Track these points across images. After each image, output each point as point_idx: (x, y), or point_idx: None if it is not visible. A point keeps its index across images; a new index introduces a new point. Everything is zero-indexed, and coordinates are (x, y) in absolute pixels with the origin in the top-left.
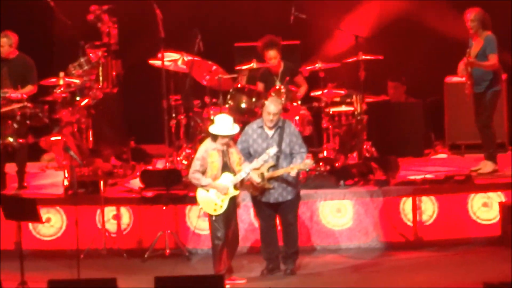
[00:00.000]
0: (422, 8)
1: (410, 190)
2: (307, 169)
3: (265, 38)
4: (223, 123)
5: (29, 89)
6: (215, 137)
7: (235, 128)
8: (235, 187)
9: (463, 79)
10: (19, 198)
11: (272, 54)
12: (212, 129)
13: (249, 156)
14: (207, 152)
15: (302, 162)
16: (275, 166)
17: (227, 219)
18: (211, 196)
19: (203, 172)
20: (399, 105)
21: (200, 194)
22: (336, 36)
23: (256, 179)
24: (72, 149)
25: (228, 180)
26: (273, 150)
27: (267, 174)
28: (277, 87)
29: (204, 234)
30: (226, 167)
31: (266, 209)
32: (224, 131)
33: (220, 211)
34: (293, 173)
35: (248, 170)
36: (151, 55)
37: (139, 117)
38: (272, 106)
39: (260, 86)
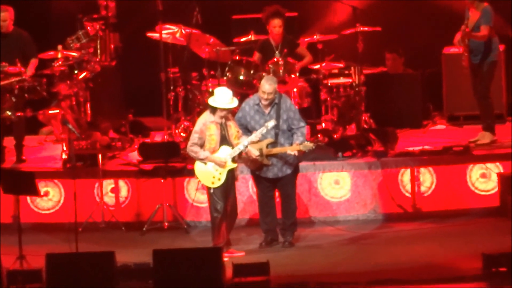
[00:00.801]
0: None
1: (409, 161)
2: (306, 150)
3: (272, 7)
4: (222, 96)
5: (34, 62)
6: (214, 110)
7: (234, 102)
8: (233, 160)
9: (461, 50)
10: (17, 172)
11: (277, 23)
12: (211, 101)
13: (246, 131)
14: (206, 125)
15: (301, 144)
16: (274, 143)
17: (226, 191)
18: (210, 169)
19: (202, 145)
20: (397, 76)
21: (198, 167)
22: (334, 7)
23: (255, 153)
24: (70, 122)
25: (226, 153)
26: (271, 123)
27: (265, 150)
28: (275, 59)
29: (203, 207)
30: (224, 140)
31: (265, 183)
32: (224, 104)
33: (218, 183)
34: (291, 153)
35: (246, 143)
36: (149, 28)
37: (137, 90)
38: (266, 85)
39: (258, 57)
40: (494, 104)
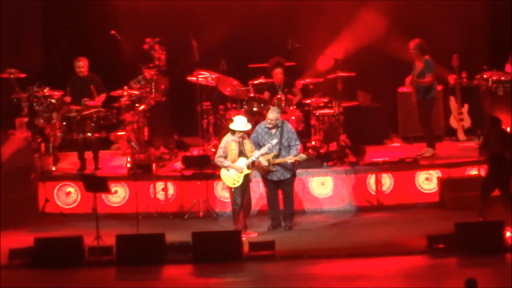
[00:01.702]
0: (383, 38)
1: (374, 169)
2: (301, 160)
3: (274, 59)
4: (239, 122)
5: (103, 96)
6: (233, 132)
7: (248, 126)
8: (248, 167)
9: (410, 90)
10: (95, 176)
11: (279, 71)
12: (232, 126)
13: (258, 147)
14: (228, 142)
15: (297, 154)
16: (277, 155)
17: (243, 190)
18: (231, 174)
19: (225, 157)
20: (366, 108)
21: (223, 172)
22: (321, 59)
23: (264, 163)
24: (133, 141)
25: (243, 162)
26: (275, 141)
27: (271, 161)
28: (279, 96)
29: (227, 201)
30: (241, 153)
31: (271, 184)
32: (240, 128)
33: (238, 184)
34: (289, 162)
35: (257, 155)
36: (189, 73)
37: (181, 118)
38: (270, 115)
39: (267, 95)
40: (435, 128)
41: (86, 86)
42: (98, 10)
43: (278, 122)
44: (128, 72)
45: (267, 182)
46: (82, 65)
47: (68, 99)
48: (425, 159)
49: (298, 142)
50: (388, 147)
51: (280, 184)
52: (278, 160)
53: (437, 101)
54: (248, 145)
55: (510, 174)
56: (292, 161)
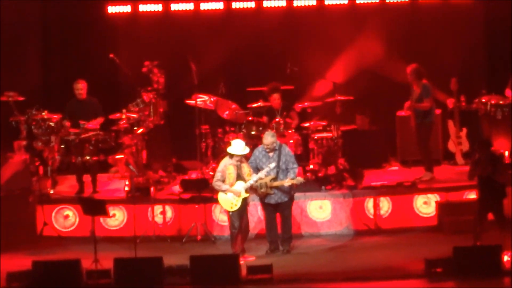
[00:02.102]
0: (381, 62)
1: (372, 192)
2: (298, 183)
3: (271, 84)
4: (237, 146)
5: (101, 119)
6: (231, 156)
7: (246, 149)
8: (246, 191)
9: (408, 114)
10: (93, 199)
11: (276, 96)
12: (229, 149)
13: (257, 170)
14: (226, 166)
15: (295, 178)
16: (275, 179)
17: (241, 214)
18: (229, 198)
19: (223, 181)
20: (364, 132)
21: (221, 196)
22: (319, 82)
23: (262, 188)
24: (131, 164)
25: (241, 186)
26: (273, 164)
27: (269, 184)
28: (277, 120)
29: (225, 224)
30: (239, 177)
31: (269, 207)
32: (238, 151)
33: (235, 208)
34: (286, 185)
35: (255, 179)
36: (188, 96)
37: (179, 141)
38: (265, 140)
39: (265, 119)
40: (433, 151)
41: (84, 109)
42: (97, 33)
43: (275, 145)
44: (126, 95)
45: (265, 205)
46: (81, 87)
47: (68, 123)
48: (423, 183)
49: (295, 165)
50: (386, 171)
51: (278, 208)
52: (275, 183)
53: (436, 125)
54: (246, 168)
55: (503, 197)
56: (290, 184)
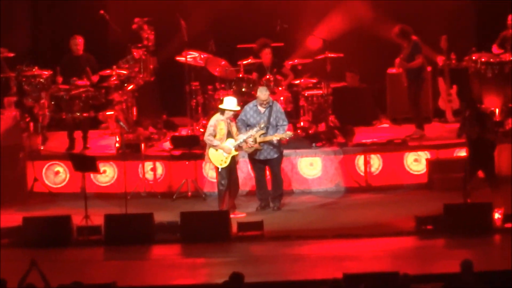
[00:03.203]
0: (371, 20)
1: (362, 149)
2: (287, 138)
3: (261, 40)
4: (230, 102)
5: (96, 77)
6: (223, 112)
7: (237, 107)
8: (236, 149)
9: (400, 71)
10: (83, 156)
11: (267, 51)
12: (222, 105)
13: (247, 126)
14: (218, 121)
15: (284, 132)
16: (265, 134)
17: (229, 171)
18: (219, 154)
19: (214, 136)
20: (355, 89)
21: (211, 152)
22: (309, 39)
23: (251, 143)
24: (122, 120)
25: (230, 144)
26: (262, 124)
27: (259, 139)
28: (267, 77)
29: (215, 181)
30: (229, 134)
31: (258, 164)
32: (231, 107)
33: (225, 165)
34: (275, 140)
35: (245, 137)
36: (178, 53)
37: (169, 98)
38: (261, 95)
39: (255, 75)
40: (423, 109)
41: (80, 65)
42: None
43: (269, 101)
44: (116, 52)
45: (254, 162)
46: (79, 43)
47: (59, 79)
48: (414, 140)
49: (286, 122)
50: (376, 128)
51: (267, 164)
52: (264, 138)
53: (427, 82)
54: (234, 128)
55: (492, 154)
56: (278, 139)
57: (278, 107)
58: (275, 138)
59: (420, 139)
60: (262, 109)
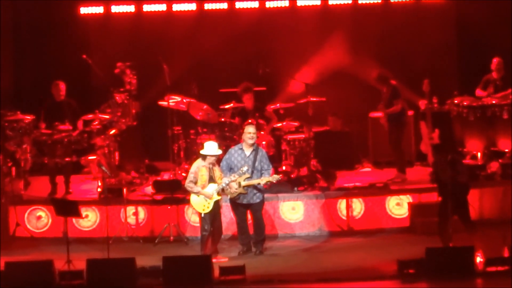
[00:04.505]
0: (353, 63)
1: (344, 193)
2: (274, 181)
3: (243, 84)
4: (210, 147)
5: (80, 123)
6: (204, 157)
7: (218, 151)
8: (218, 193)
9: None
10: (65, 200)
11: (249, 96)
12: (202, 151)
13: (230, 169)
14: (199, 167)
15: (270, 176)
16: (249, 178)
17: (213, 216)
18: (201, 200)
19: (195, 182)
20: (337, 133)
21: (193, 198)
22: (292, 83)
23: (235, 186)
24: (104, 165)
25: (212, 189)
26: (245, 168)
27: (243, 183)
28: (250, 121)
29: (197, 225)
30: (211, 179)
31: (240, 208)
32: (211, 152)
33: (207, 210)
34: (262, 183)
35: (227, 182)
36: (160, 97)
37: (152, 142)
38: (250, 128)
39: (238, 120)
40: (406, 153)
41: (62, 110)
42: (69, 34)
43: (255, 139)
44: (99, 96)
45: (236, 207)
46: (61, 89)
47: (43, 124)
48: (396, 184)
49: (270, 168)
50: (358, 172)
51: (250, 208)
52: (251, 182)
53: (408, 126)
54: (217, 172)
55: (466, 198)
56: (264, 182)
57: (263, 152)
58: (262, 181)
59: (402, 183)
60: (247, 153)
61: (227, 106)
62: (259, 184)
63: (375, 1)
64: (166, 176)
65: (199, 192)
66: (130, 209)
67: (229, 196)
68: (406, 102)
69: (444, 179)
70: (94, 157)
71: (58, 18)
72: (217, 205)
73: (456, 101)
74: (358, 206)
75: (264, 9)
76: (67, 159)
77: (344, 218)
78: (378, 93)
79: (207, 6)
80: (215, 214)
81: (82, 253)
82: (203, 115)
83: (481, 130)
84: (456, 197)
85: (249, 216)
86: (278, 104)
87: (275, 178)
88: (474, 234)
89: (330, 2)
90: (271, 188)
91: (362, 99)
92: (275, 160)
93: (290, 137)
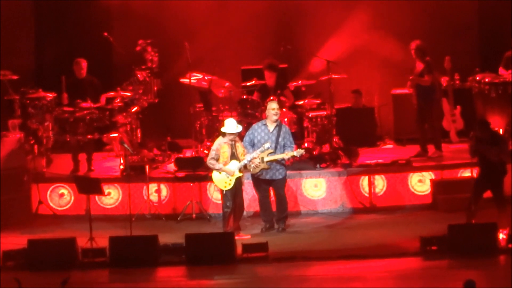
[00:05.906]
0: (376, 40)
1: (367, 170)
2: (298, 156)
3: (267, 61)
4: (230, 125)
5: (103, 100)
6: (224, 134)
7: (238, 128)
8: (240, 170)
9: (407, 91)
10: (88, 178)
11: (271, 74)
12: (223, 129)
13: (253, 145)
14: (220, 144)
15: (295, 150)
16: (272, 153)
17: (234, 193)
18: (223, 177)
19: (217, 159)
20: (359, 110)
21: (215, 175)
22: (314, 60)
23: (257, 162)
24: (126, 143)
25: (234, 166)
26: (267, 145)
27: (267, 159)
28: (271, 98)
29: (220, 203)
30: (233, 156)
31: (263, 185)
32: (231, 130)
33: (229, 187)
34: (286, 158)
35: (249, 158)
36: (182, 75)
37: (174, 119)
38: (273, 104)
39: (257, 96)
40: (428, 130)
41: (84, 87)
42: (90, 12)
43: (278, 114)
44: (121, 74)
45: (258, 183)
46: (82, 67)
47: (65, 101)
48: (432, 160)
49: (293, 144)
50: (381, 149)
51: (272, 185)
52: (274, 157)
53: (438, 103)
54: (240, 148)
55: (503, 175)
56: (289, 156)
57: (287, 128)
58: (286, 156)
59: (438, 159)
60: (271, 128)
61: (248, 84)
62: (282, 159)
63: None
64: (188, 154)
65: (221, 169)
66: (153, 187)
67: (251, 173)
68: (438, 79)
69: (491, 156)
70: (116, 134)
71: None
72: (239, 182)
73: (477, 78)
74: (380, 183)
75: None
76: (89, 136)
77: (366, 195)
78: (400, 70)
79: None
80: (237, 191)
81: (105, 231)
82: (225, 92)
83: (503, 107)
84: (496, 175)
85: (271, 193)
86: (299, 81)
87: (299, 152)
88: (505, 211)
89: None
90: (293, 165)
91: (384, 76)
92: (297, 137)
93: (312, 114)
